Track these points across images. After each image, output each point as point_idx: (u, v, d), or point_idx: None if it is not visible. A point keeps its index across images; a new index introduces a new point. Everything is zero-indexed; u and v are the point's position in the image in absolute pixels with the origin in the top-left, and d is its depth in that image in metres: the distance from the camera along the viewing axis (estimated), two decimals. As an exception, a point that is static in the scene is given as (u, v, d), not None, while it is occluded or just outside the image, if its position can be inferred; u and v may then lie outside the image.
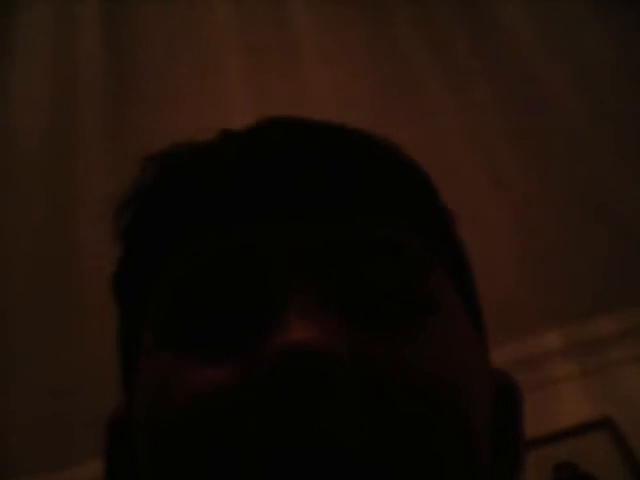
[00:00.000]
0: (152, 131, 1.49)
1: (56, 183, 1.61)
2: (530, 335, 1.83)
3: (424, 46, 1.65)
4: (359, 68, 1.66)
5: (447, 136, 1.68)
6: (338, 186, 0.37)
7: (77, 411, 1.59)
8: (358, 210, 0.37)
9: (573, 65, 1.66)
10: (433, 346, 0.34)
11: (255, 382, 0.31)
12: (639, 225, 1.75)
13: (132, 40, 1.60)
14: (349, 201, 0.37)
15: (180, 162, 0.40)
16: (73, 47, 1.59)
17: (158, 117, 1.57)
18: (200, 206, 0.37)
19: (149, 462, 0.34)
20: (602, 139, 1.69)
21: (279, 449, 0.29)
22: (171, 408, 0.32)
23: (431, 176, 0.43)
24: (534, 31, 1.64)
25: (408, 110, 1.67)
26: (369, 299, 0.35)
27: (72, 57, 1.59)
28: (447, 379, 0.33)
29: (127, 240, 0.41)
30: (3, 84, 1.59)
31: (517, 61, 1.65)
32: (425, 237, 0.39)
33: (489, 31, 1.66)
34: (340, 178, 0.37)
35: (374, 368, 0.32)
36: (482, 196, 1.71)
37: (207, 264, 0.36)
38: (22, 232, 1.64)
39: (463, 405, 0.33)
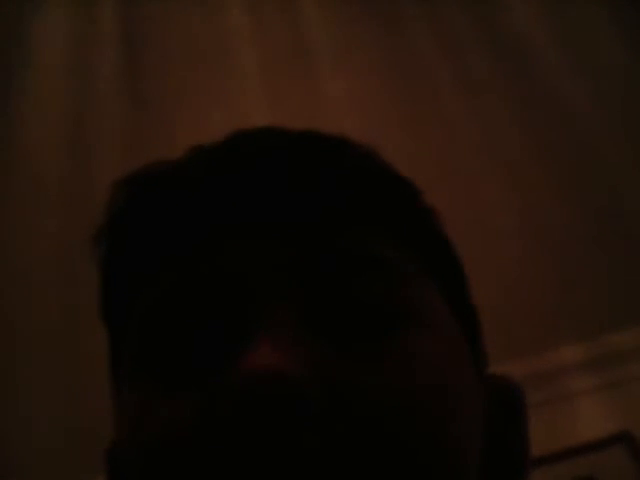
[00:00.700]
0: (168, 133, 1.50)
1: (71, 190, 1.62)
2: (548, 349, 1.82)
3: (439, 53, 1.65)
4: (373, 72, 1.66)
5: (460, 140, 1.67)
6: (311, 200, 0.36)
7: (89, 418, 1.59)
8: (331, 223, 0.35)
9: (588, 68, 1.65)
10: (410, 365, 0.33)
11: (214, 415, 0.30)
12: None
13: (147, 43, 1.61)
14: (322, 215, 0.35)
15: (149, 185, 0.38)
16: (88, 50, 1.60)
17: (172, 118, 1.58)
18: (170, 230, 0.36)
19: None
20: (618, 144, 1.68)
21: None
22: (141, 443, 0.32)
23: (411, 179, 0.41)
24: (548, 31, 1.63)
25: (422, 115, 1.67)
26: (345, 317, 0.33)
27: (87, 59, 1.60)
28: (425, 401, 0.32)
29: (103, 269, 0.40)
30: (18, 85, 1.60)
31: (531, 62, 1.64)
32: (406, 243, 0.38)
33: (505, 39, 1.66)
34: (314, 191, 0.36)
35: (343, 392, 0.31)
36: (497, 204, 1.70)
37: (175, 290, 0.34)
38: (38, 237, 1.64)
39: (443, 425, 0.32)
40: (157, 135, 1.54)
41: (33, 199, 1.64)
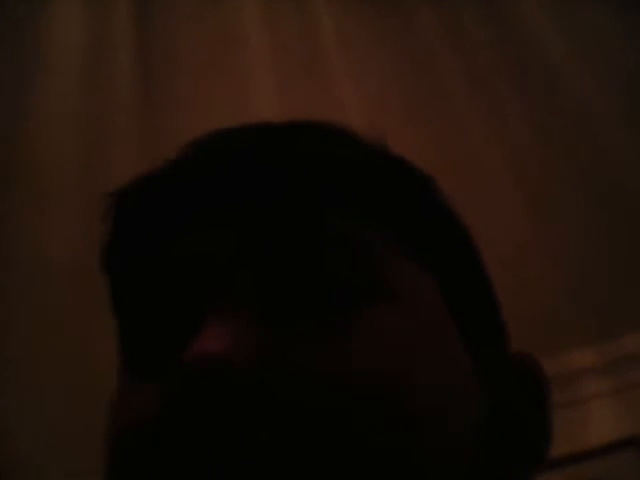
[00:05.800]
0: (180, 132, 1.50)
1: (85, 187, 1.62)
2: (559, 353, 1.81)
3: (453, 53, 1.65)
4: (386, 72, 1.67)
5: (473, 139, 1.67)
6: (276, 183, 0.35)
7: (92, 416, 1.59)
8: (294, 204, 0.35)
9: (595, 63, 1.65)
10: (366, 344, 0.31)
11: (159, 404, 0.31)
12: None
13: (161, 41, 1.62)
14: (286, 197, 0.35)
15: (134, 193, 0.39)
16: (102, 47, 1.60)
17: (185, 117, 1.58)
18: (149, 229, 0.37)
19: None
20: (627, 138, 1.67)
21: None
22: (109, 434, 0.34)
23: (406, 159, 0.40)
24: (556, 29, 1.63)
25: (435, 115, 1.67)
26: (299, 297, 0.33)
27: (102, 57, 1.61)
28: (383, 381, 0.31)
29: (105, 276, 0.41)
30: (32, 85, 1.60)
31: (540, 59, 1.64)
32: (388, 223, 0.36)
33: (516, 38, 1.66)
34: (280, 175, 0.35)
35: (288, 375, 0.30)
36: (512, 204, 1.70)
37: (146, 282, 0.35)
38: (52, 228, 1.65)
39: (405, 406, 0.31)
40: (171, 137, 1.55)
41: (47, 198, 1.65)
